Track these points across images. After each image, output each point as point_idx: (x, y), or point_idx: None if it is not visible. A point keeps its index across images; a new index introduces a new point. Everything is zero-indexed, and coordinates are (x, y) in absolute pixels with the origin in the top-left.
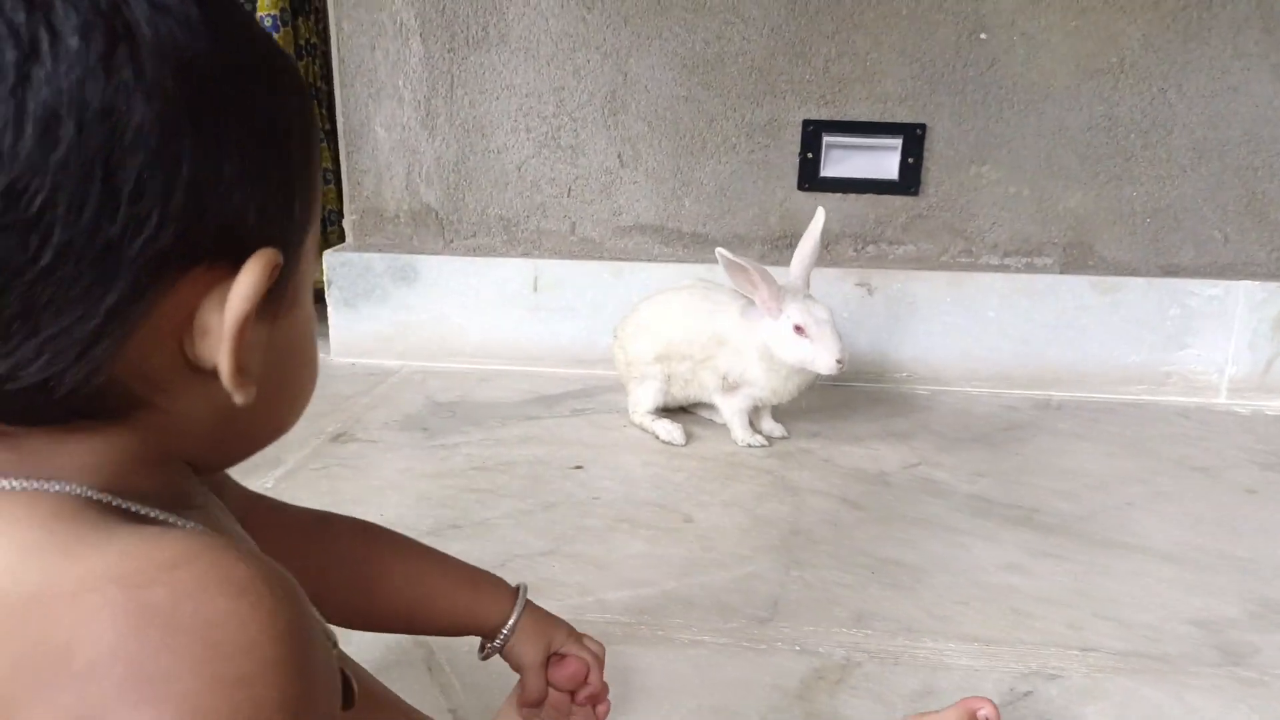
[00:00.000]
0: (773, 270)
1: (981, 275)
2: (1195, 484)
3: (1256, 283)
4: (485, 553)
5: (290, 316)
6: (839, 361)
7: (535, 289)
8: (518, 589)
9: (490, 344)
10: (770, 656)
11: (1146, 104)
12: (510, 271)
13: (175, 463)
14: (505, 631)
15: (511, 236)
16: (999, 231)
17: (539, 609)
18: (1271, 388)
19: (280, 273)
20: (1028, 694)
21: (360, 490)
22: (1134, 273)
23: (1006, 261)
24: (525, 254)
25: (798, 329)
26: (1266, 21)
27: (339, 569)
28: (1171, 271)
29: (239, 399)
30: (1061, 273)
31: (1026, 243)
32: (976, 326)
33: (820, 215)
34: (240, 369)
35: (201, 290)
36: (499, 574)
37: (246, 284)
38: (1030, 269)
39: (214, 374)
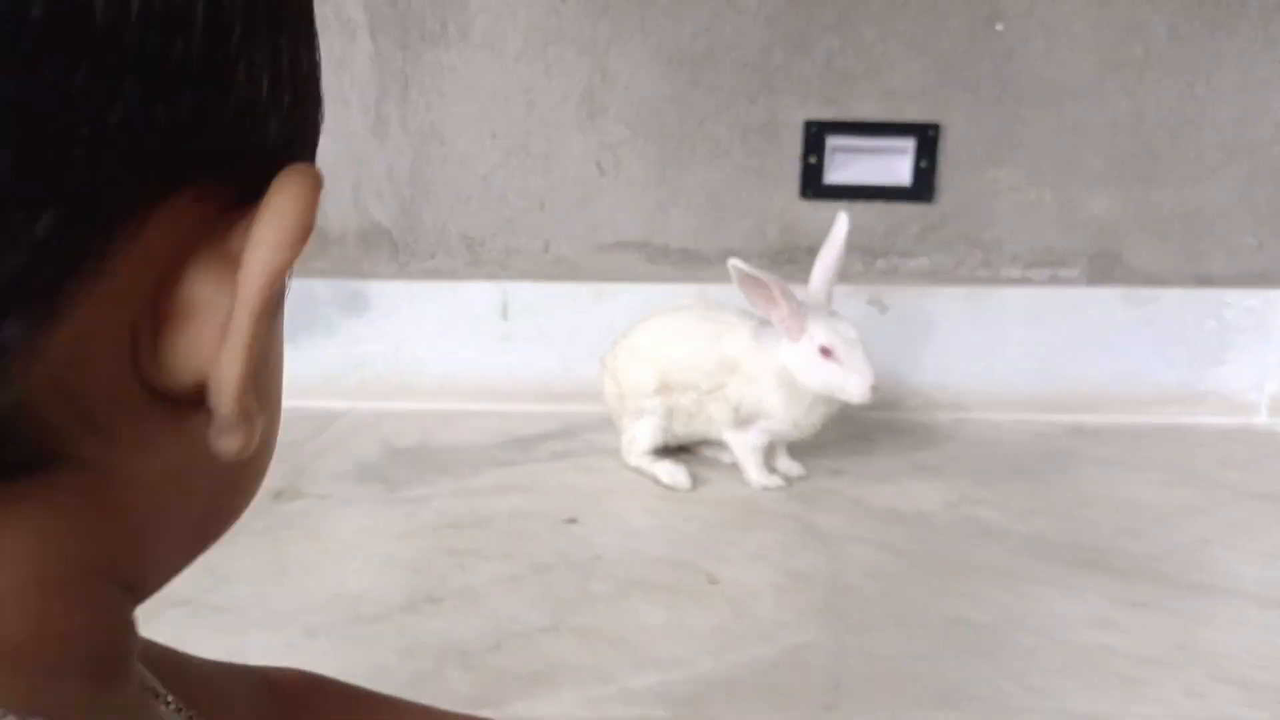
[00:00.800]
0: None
1: (1002, 290)
2: (1264, 514)
3: None
4: (473, 631)
5: (279, 316)
6: (873, 387)
7: (504, 316)
8: None
9: (454, 380)
10: None
11: (1174, 99)
12: (475, 296)
13: (106, 588)
14: None
15: (476, 257)
16: (1020, 241)
17: None
18: None
19: None
20: None
21: (313, 556)
22: (1164, 283)
23: (1029, 274)
24: (492, 276)
25: (824, 351)
26: None
27: None
28: (1204, 281)
29: (234, 445)
30: (1089, 285)
31: (1050, 253)
32: (999, 346)
33: (843, 221)
34: (252, 387)
35: (186, 232)
36: (493, 658)
37: (290, 218)
38: (1055, 281)
39: (191, 403)
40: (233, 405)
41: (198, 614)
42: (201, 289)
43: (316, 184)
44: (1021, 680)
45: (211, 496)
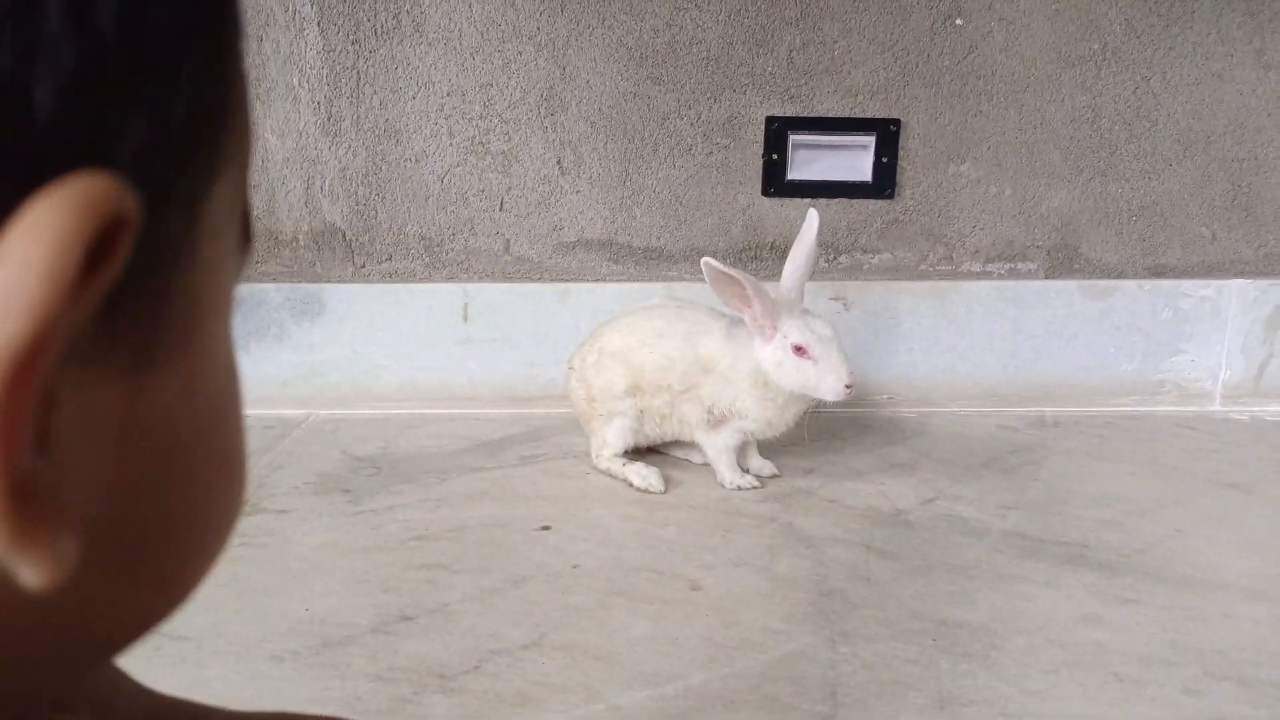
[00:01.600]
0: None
1: (965, 284)
2: (1236, 503)
3: (1248, 280)
4: (450, 652)
5: (184, 364)
6: (848, 387)
7: (465, 318)
8: None
9: (414, 385)
10: None
11: (1130, 93)
12: (434, 299)
13: None
14: None
15: (435, 258)
16: (980, 235)
17: None
18: (1265, 393)
19: (146, 245)
20: None
21: (275, 577)
22: (1122, 275)
23: (989, 268)
24: (451, 278)
25: (798, 349)
26: (1249, 3)
27: None
28: (1159, 272)
29: (30, 573)
30: (1048, 278)
31: (1010, 247)
32: (962, 341)
33: (814, 218)
34: (23, 492)
35: None
36: (474, 680)
37: (47, 247)
38: (1014, 275)
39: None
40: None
41: (154, 644)
42: None
43: (100, 205)
44: (1019, 683)
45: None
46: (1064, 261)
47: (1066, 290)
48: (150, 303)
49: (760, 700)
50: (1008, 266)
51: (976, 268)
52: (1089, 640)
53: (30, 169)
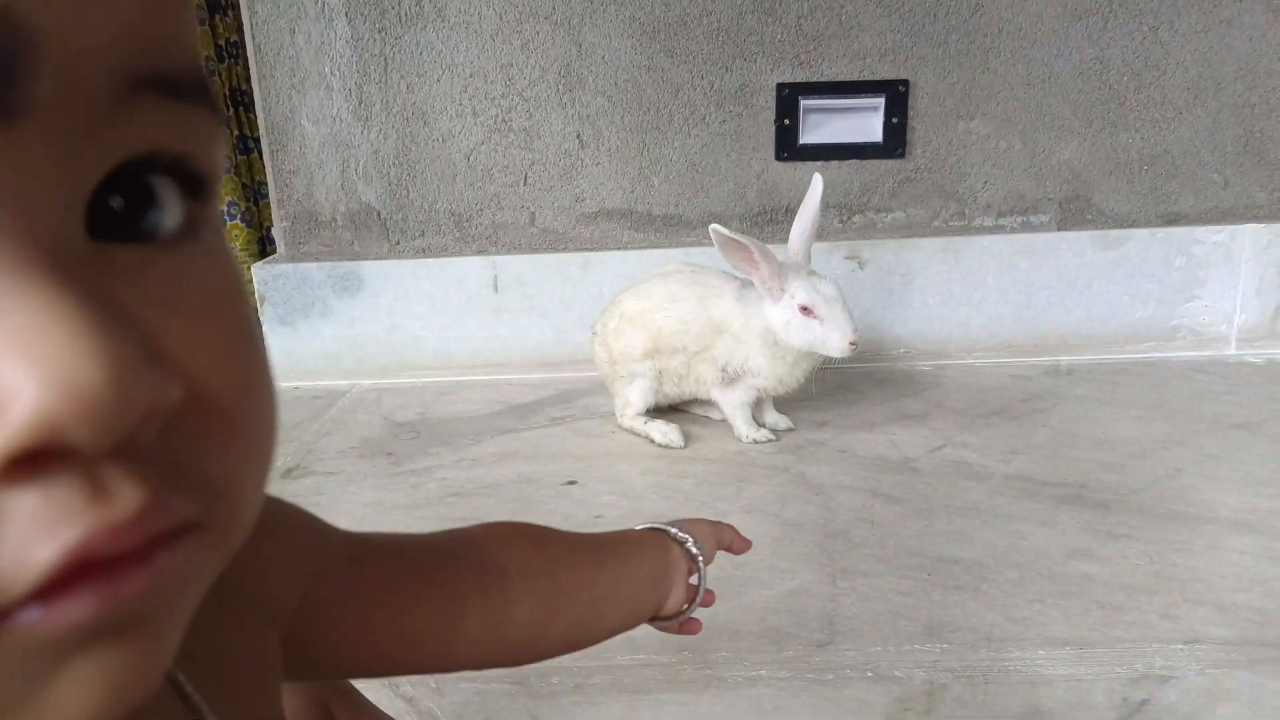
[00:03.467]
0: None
1: (977, 238)
2: (1238, 442)
3: (1261, 225)
4: None
5: None
6: (852, 344)
7: (495, 289)
8: (675, 540)
9: (449, 353)
10: (841, 688)
11: (1138, 44)
12: (466, 271)
13: None
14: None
15: (464, 233)
16: (992, 190)
17: (693, 529)
18: None
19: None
20: (1144, 703)
21: None
22: (1134, 224)
23: (1002, 222)
24: (481, 251)
25: (804, 309)
26: None
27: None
28: (1172, 220)
29: None
30: (1060, 229)
31: (1021, 200)
32: (976, 294)
33: (818, 182)
34: None
35: None
36: None
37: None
38: (1027, 228)
39: None
40: None
41: None
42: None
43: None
44: (1007, 612)
45: None
46: (1076, 213)
47: (1079, 241)
48: None
49: (763, 630)
50: (1020, 220)
51: (989, 222)
52: (1076, 572)
53: None
